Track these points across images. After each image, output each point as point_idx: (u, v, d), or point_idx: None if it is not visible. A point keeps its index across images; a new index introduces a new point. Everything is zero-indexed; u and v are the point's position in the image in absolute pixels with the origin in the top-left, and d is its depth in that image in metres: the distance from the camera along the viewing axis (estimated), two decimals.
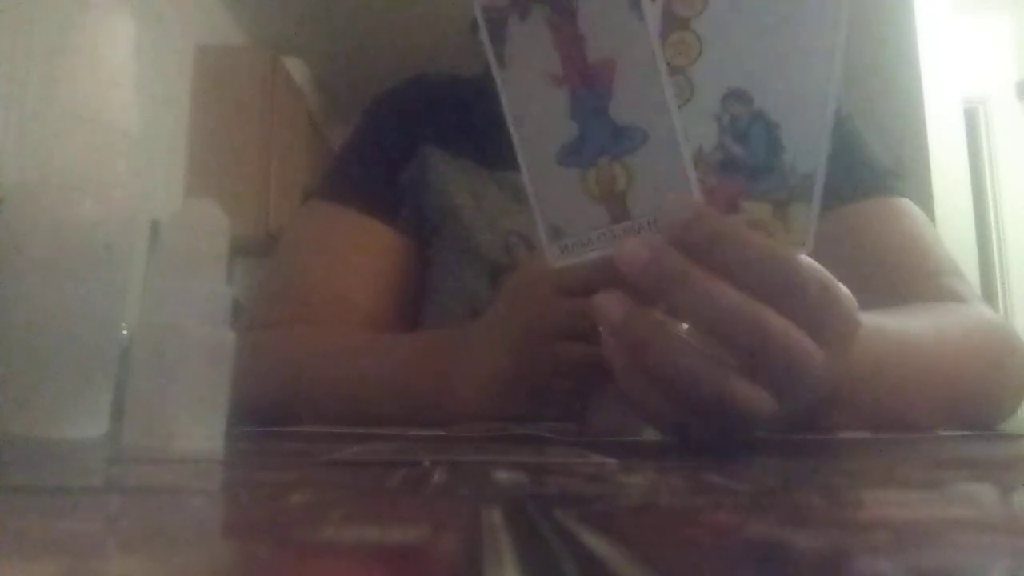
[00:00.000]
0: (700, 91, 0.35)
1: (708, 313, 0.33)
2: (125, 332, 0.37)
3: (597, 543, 0.13)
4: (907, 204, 0.69)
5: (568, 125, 0.35)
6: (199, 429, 0.32)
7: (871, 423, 0.47)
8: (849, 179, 0.67)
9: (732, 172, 0.35)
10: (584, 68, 0.34)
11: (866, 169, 0.70)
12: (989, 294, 2.85)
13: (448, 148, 0.70)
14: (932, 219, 2.35)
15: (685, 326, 0.35)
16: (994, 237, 2.96)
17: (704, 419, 0.34)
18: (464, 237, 0.67)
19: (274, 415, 0.54)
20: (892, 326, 0.51)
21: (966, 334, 0.58)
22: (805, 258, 0.34)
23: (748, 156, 0.34)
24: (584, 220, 0.36)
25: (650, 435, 0.42)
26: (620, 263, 0.33)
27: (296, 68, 3.58)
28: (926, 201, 2.40)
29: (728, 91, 0.34)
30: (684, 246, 0.33)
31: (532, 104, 0.36)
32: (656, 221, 0.34)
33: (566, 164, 0.36)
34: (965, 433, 0.51)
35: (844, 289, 0.36)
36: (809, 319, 0.33)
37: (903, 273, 0.63)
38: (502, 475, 0.24)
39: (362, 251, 0.69)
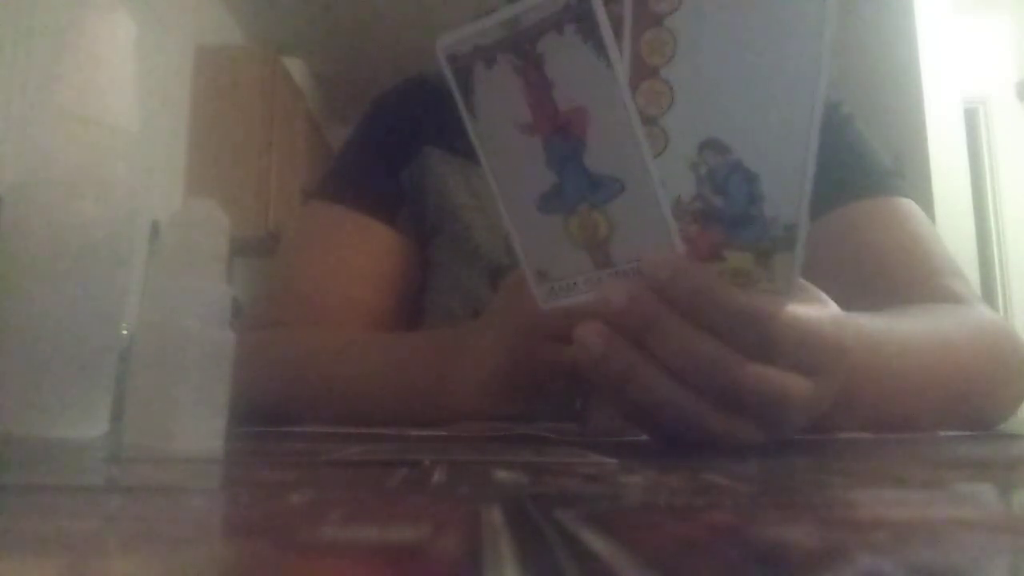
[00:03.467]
0: (675, 141, 0.34)
1: (682, 359, 0.33)
2: (125, 332, 0.37)
3: (597, 543, 0.13)
4: (908, 204, 0.69)
5: (545, 173, 0.35)
6: (199, 429, 0.32)
7: (873, 424, 0.47)
8: (850, 178, 0.67)
9: (713, 222, 0.34)
10: (555, 116, 0.33)
11: (867, 169, 0.70)
12: (989, 294, 2.85)
13: (448, 148, 0.70)
14: (932, 219, 2.35)
15: None
16: (994, 237, 2.96)
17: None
18: (464, 237, 0.67)
19: (274, 415, 0.54)
20: (893, 327, 0.51)
21: (967, 335, 0.58)
22: (783, 304, 0.34)
23: (727, 207, 0.34)
24: (569, 265, 0.36)
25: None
26: (601, 306, 0.34)
27: (296, 68, 3.58)
28: (926, 201, 2.40)
29: (704, 141, 0.34)
30: (664, 297, 0.33)
31: (507, 153, 0.35)
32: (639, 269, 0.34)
33: (546, 211, 0.35)
34: (965, 433, 0.51)
35: (827, 317, 0.36)
36: (788, 362, 0.34)
37: (903, 273, 0.63)
38: (502, 475, 0.24)
39: (363, 251, 0.69)
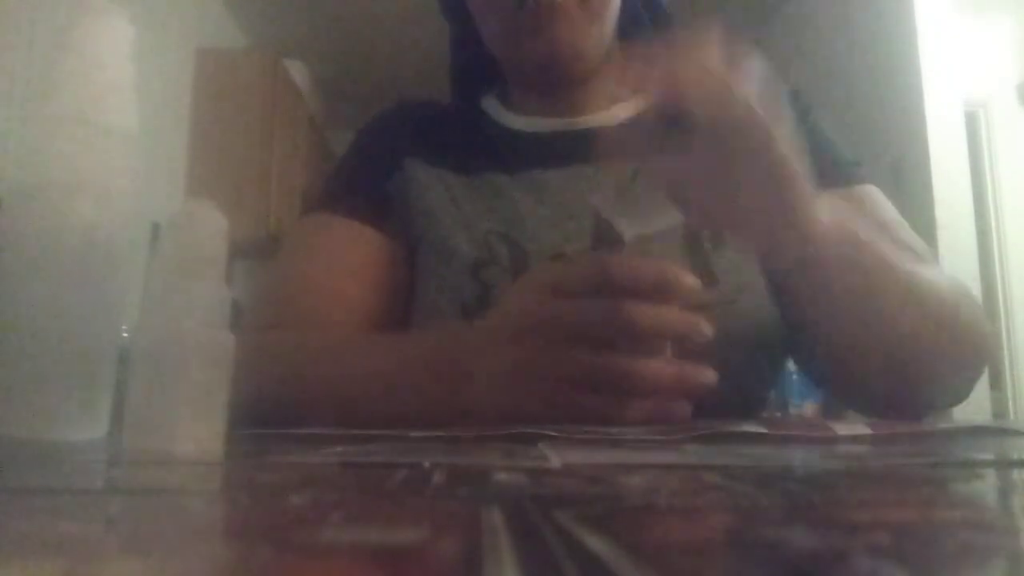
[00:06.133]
0: None
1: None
2: (125, 334, 0.37)
3: (597, 543, 0.13)
4: (873, 190, 0.71)
5: None
6: (199, 431, 0.32)
7: (845, 304, 0.51)
8: (818, 171, 0.68)
9: None
10: None
11: (835, 159, 0.71)
12: (989, 295, 2.84)
13: (428, 160, 0.75)
14: (933, 221, 2.36)
15: None
16: (995, 239, 2.96)
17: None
18: (444, 237, 0.71)
19: (274, 416, 0.54)
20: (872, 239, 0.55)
21: (947, 284, 0.61)
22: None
23: None
24: None
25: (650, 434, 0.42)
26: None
27: (297, 71, 3.58)
28: (927, 203, 2.40)
29: None
30: None
31: None
32: None
33: None
34: (964, 429, 0.51)
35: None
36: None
37: None
38: (502, 475, 0.24)
39: (356, 253, 0.72)
